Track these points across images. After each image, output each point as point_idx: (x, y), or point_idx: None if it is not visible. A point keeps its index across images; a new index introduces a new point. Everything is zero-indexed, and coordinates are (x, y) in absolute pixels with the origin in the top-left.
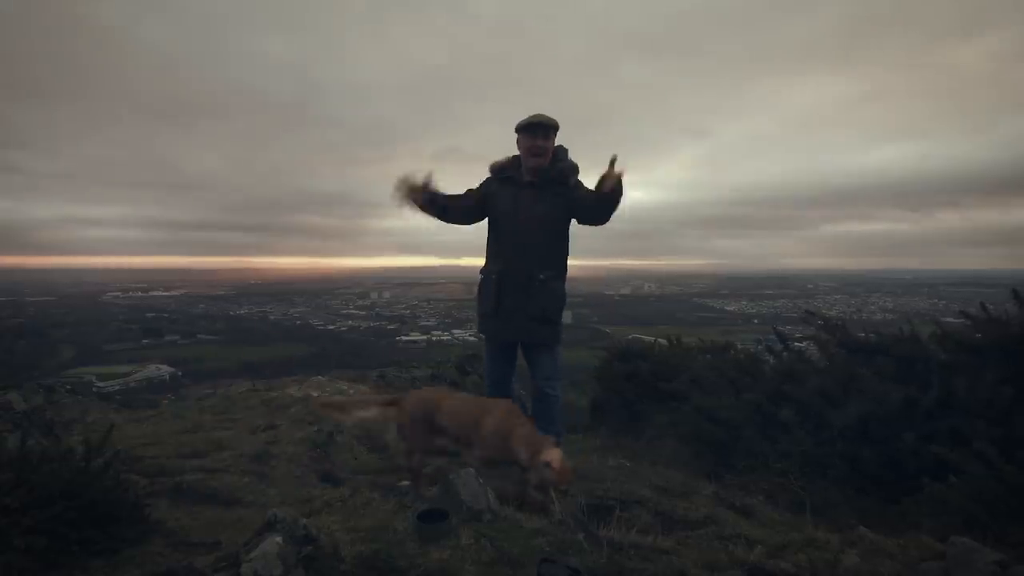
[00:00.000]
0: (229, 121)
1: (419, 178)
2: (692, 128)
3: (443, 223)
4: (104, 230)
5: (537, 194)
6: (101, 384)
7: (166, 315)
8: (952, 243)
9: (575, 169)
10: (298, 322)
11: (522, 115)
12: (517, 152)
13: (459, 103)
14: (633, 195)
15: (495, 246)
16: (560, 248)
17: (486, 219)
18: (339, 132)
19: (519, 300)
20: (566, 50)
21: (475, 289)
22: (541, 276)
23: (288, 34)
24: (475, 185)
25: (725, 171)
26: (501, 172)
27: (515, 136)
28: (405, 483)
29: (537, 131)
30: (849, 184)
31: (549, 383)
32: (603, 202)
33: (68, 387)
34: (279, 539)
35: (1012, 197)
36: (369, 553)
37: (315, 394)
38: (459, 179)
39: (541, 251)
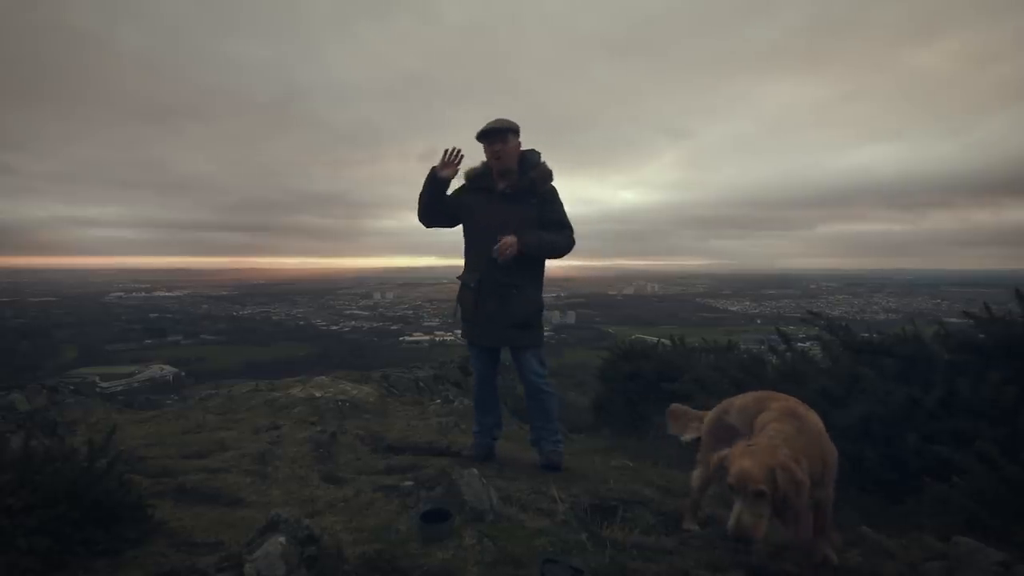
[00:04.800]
0: (219, 123)
1: (447, 159)
2: (673, 129)
3: (428, 219)
4: (105, 230)
5: (510, 204)
6: (104, 384)
7: (169, 315)
8: (950, 244)
9: (548, 176)
10: (301, 322)
11: (504, 116)
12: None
13: (440, 105)
14: (625, 196)
15: (471, 255)
16: (534, 257)
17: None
18: (326, 134)
19: (496, 308)
20: (534, 52)
21: None
22: (516, 284)
23: (262, 37)
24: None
25: (712, 172)
26: (476, 181)
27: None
28: (408, 483)
29: (491, 137)
30: (841, 184)
31: (540, 379)
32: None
33: (71, 388)
34: (282, 539)
35: (1002, 198)
36: (372, 553)
37: (318, 394)
38: None
39: (515, 260)
